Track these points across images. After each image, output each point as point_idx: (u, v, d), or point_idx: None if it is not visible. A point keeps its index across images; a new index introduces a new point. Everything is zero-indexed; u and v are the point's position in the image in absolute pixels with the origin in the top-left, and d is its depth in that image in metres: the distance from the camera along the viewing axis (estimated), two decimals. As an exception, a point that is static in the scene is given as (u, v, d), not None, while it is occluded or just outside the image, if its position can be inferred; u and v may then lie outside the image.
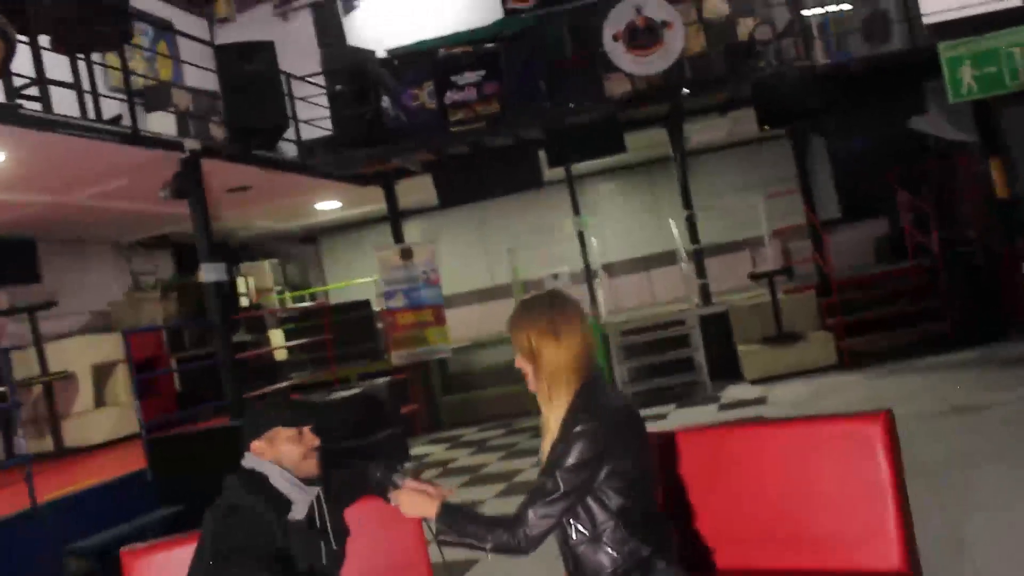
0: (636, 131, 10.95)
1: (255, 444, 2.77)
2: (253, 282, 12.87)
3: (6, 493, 6.06)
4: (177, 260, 12.61)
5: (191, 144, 7.84)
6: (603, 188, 14.82)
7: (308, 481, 2.80)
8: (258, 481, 2.70)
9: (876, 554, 2.61)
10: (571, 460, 2.28)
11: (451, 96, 9.74)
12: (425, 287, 11.54)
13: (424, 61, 10.05)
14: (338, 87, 10.28)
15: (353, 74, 10.29)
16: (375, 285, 12.08)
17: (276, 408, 2.88)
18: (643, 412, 8.45)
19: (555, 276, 11.35)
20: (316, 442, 2.79)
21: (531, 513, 2.30)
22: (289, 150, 10.37)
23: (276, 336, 12.57)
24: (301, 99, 10.21)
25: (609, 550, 2.32)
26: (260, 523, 2.58)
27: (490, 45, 9.89)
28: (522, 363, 2.44)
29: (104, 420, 9.36)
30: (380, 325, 12.33)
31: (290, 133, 9.88)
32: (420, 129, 10.08)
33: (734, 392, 9.95)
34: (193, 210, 7.88)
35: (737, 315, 11.07)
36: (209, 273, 7.81)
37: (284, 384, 10.53)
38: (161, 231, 11.67)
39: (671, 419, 9.16)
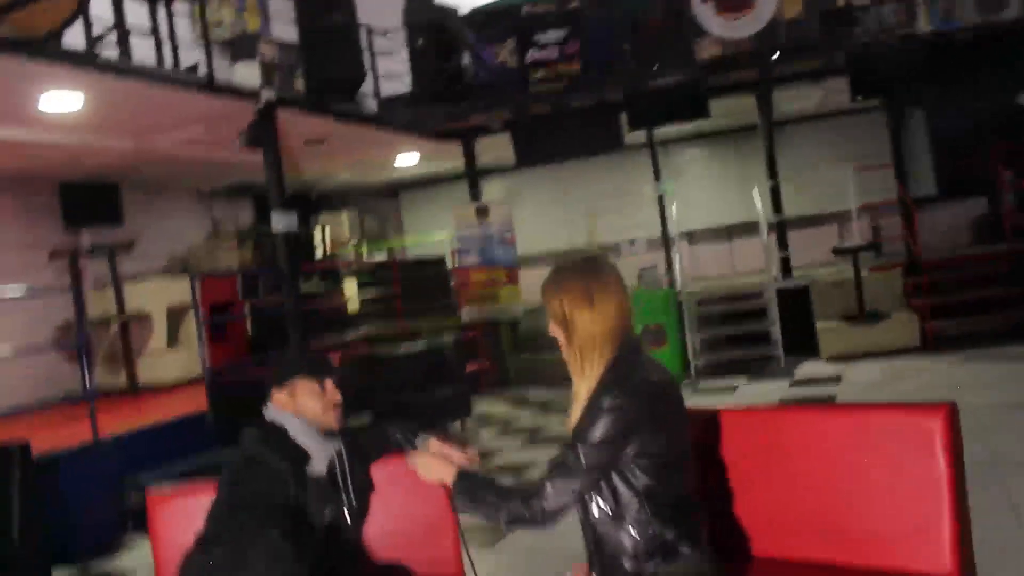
0: (723, 97, 10.60)
1: (277, 395, 2.72)
2: (330, 233, 12.97)
3: (76, 425, 6.22)
4: (257, 209, 12.77)
5: (267, 94, 7.84)
6: (687, 154, 14.49)
7: (329, 435, 2.74)
8: (276, 433, 2.65)
9: (926, 555, 2.42)
10: (595, 436, 2.15)
11: (532, 55, 9.55)
12: (500, 246, 11.47)
13: (506, 18, 9.85)
14: (420, 42, 10.17)
15: (435, 29, 10.17)
16: (451, 242, 12.05)
17: (299, 359, 2.81)
18: (712, 384, 8.29)
19: (632, 241, 11.17)
20: (338, 396, 2.72)
21: (549, 486, 2.19)
22: (368, 105, 10.32)
23: (350, 288, 12.66)
24: (381, 53, 10.13)
25: (631, 531, 2.19)
26: (274, 476, 2.53)
27: (573, 4, 9.63)
28: (555, 330, 2.32)
29: (175, 361, 9.58)
30: (453, 282, 12.31)
31: (369, 88, 9.84)
32: (500, 87, 9.91)
33: (808, 369, 9.64)
34: (267, 159, 7.91)
35: (818, 290, 10.70)
36: (279, 222, 7.85)
37: (353, 335, 10.61)
38: (241, 180, 11.82)
39: (741, 392, 8.95)
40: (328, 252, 12.63)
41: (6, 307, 7.99)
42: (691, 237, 14.14)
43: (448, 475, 2.38)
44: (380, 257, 13.91)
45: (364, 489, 2.88)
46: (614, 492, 2.21)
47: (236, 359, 9.83)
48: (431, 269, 12.55)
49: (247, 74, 9.21)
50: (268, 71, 9.13)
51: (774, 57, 9.85)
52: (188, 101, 7.45)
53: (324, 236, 12.81)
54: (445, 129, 11.19)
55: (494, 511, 2.25)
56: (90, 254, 10.01)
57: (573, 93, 9.73)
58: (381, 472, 2.90)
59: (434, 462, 2.47)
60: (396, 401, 7.89)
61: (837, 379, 8.79)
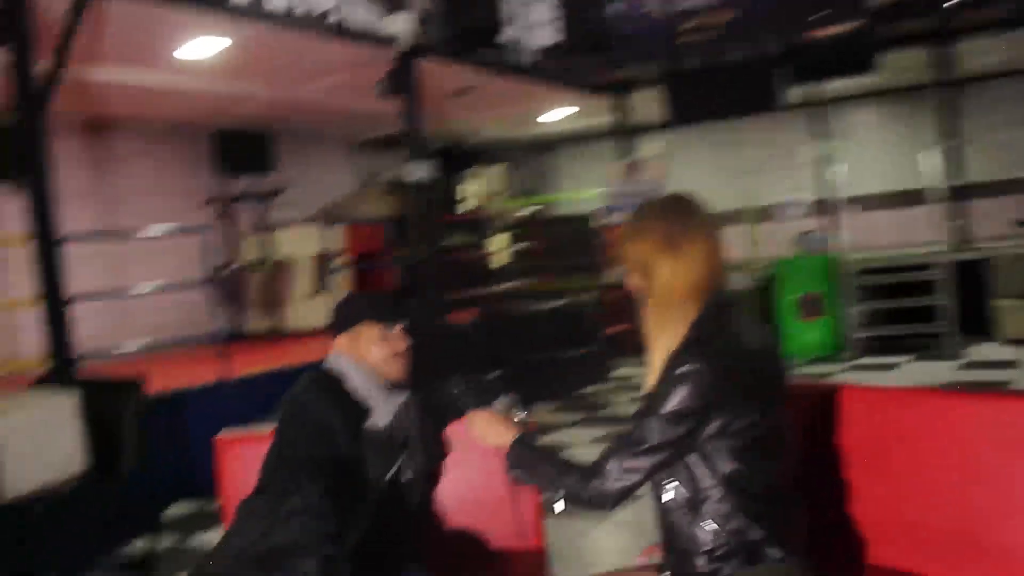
0: (895, 50, 9.70)
1: (339, 339, 2.52)
2: (478, 187, 12.85)
3: (213, 364, 6.34)
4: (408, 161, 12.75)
5: (404, 41, 7.69)
6: (854, 114, 13.48)
7: (395, 387, 2.52)
8: (332, 381, 2.44)
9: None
10: (668, 407, 1.82)
11: (681, 3, 8.99)
12: (651, 205, 10.99)
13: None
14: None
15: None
16: (600, 199, 11.68)
17: (365, 301, 2.59)
18: (871, 360, 7.61)
19: (790, 204, 10.47)
20: (404, 344, 2.48)
21: (612, 464, 1.88)
22: (514, 56, 10.02)
23: (495, 243, 12.52)
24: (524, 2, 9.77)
25: (709, 524, 1.87)
26: (321, 427, 2.32)
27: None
28: (632, 282, 2.00)
29: (321, 307, 9.68)
30: (599, 240, 11.96)
31: (515, 39, 9.53)
32: (649, 39, 9.41)
33: (982, 351, 8.82)
34: (404, 108, 7.78)
35: (998, 265, 9.74)
36: (414, 171, 7.73)
37: (494, 288, 10.47)
38: (392, 132, 11.82)
39: (903, 371, 8.28)
40: (476, 206, 12.51)
41: (161, 248, 8.23)
42: (856, 203, 13.22)
43: (506, 439, 2.11)
44: (521, 213, 13.68)
45: (435, 450, 2.66)
46: (692, 477, 1.88)
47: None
48: (577, 226, 12.22)
49: (391, 21, 9.10)
50: (409, 18, 8.89)
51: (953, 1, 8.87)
52: (326, 48, 7.40)
53: (473, 190, 12.68)
54: (595, 83, 10.79)
55: (550, 485, 1.98)
56: (242, 201, 10.25)
57: (725, 44, 9.09)
58: (459, 434, 2.67)
59: (493, 424, 2.21)
60: (528, 359, 7.68)
61: (1014, 364, 7.98)
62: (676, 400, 1.82)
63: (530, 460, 2.03)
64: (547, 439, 6.53)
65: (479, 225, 12.26)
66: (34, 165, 5.03)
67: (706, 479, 1.87)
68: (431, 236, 8.15)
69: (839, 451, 2.34)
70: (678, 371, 1.83)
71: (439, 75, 8.72)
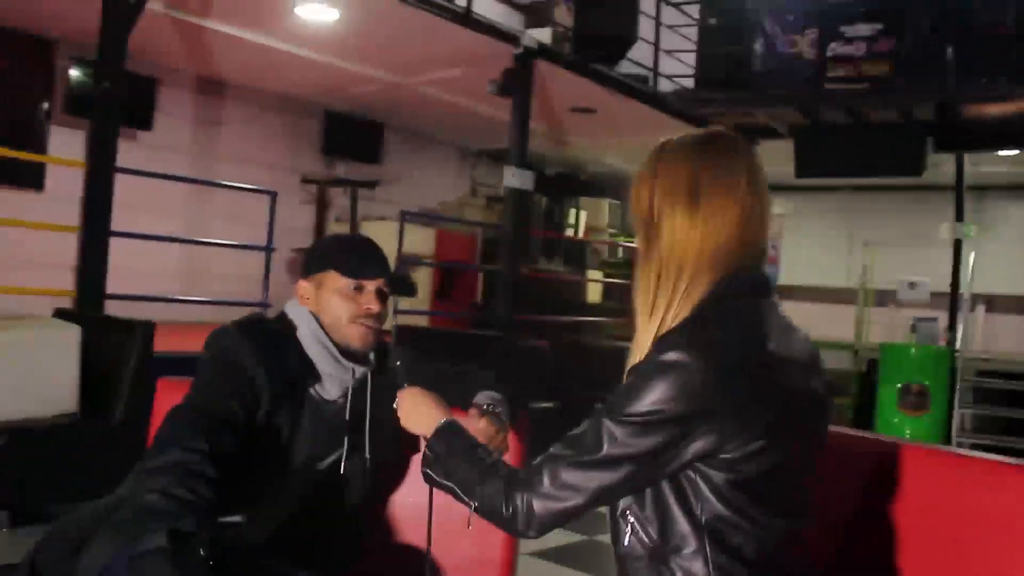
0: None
1: (300, 283, 2.06)
2: (587, 216, 12.38)
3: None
4: (519, 178, 12.40)
5: (527, 40, 7.30)
6: (1002, 205, 12.46)
7: (355, 358, 2.04)
8: (272, 329, 1.99)
9: None
10: (637, 406, 1.28)
11: (835, 48, 8.31)
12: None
13: (812, 4, 8.65)
14: (712, 20, 9.23)
15: (730, 9, 9.17)
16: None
17: (336, 245, 2.12)
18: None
19: (912, 284, 9.60)
20: (376, 307, 2.00)
21: (547, 475, 1.35)
22: (642, 81, 9.53)
23: (593, 275, 11.99)
24: (665, 25, 9.27)
25: None
26: (239, 378, 1.86)
27: (891, -4, 8.25)
28: (637, 238, 1.46)
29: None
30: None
31: (646, 60, 9.06)
32: (791, 81, 8.76)
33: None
34: (514, 109, 7.37)
35: None
36: (513, 178, 7.30)
37: (580, 319, 9.97)
38: (505, 146, 11.51)
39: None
40: (580, 236, 12.03)
41: (246, 213, 8.03)
42: (990, 302, 12.18)
43: (429, 426, 1.57)
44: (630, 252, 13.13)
45: (390, 445, 2.17)
46: (660, 513, 1.34)
47: (451, 322, 9.48)
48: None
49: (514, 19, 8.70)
50: (535, 14, 8.47)
51: None
52: (443, 33, 7.06)
53: (579, 219, 12.21)
54: (724, 123, 10.18)
55: (465, 492, 1.45)
56: (340, 186, 10.04)
57: (876, 96, 8.35)
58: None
59: (424, 405, 1.65)
60: (587, 395, 7.12)
61: None
62: (650, 398, 1.27)
63: (450, 455, 1.51)
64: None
65: (580, 255, 11.77)
66: (100, 89, 4.80)
67: (679, 523, 1.32)
68: (522, 250, 7.69)
69: (898, 529, 1.73)
70: (661, 358, 1.28)
71: (560, 85, 8.32)
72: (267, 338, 1.94)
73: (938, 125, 8.62)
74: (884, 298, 11.78)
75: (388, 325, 6.34)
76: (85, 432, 4.06)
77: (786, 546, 1.33)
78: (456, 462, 1.48)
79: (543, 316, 8.88)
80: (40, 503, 3.91)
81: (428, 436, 1.55)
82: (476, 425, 1.82)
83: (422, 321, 8.79)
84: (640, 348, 1.37)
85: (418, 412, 1.63)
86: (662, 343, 1.30)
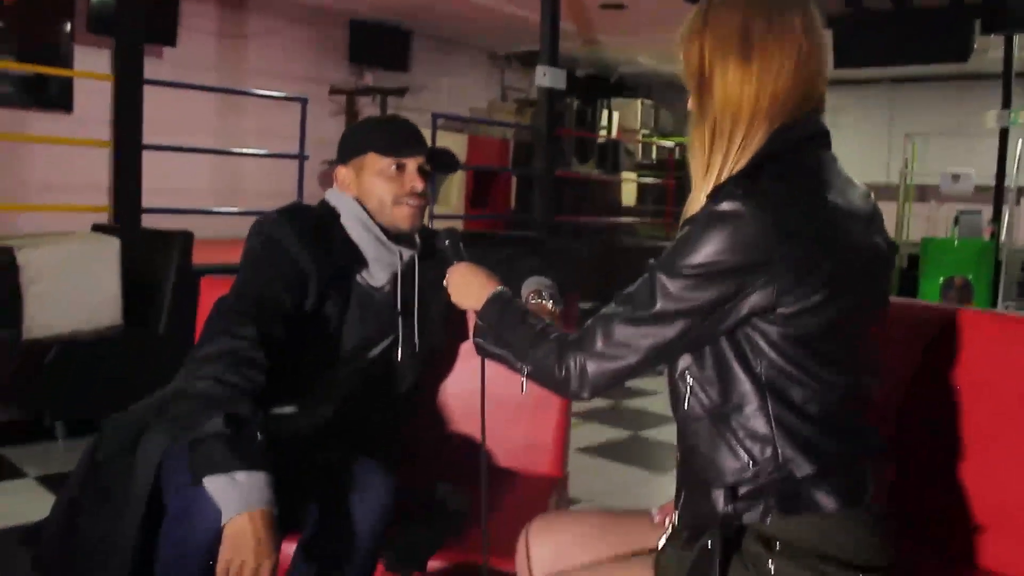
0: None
1: (339, 170, 2.02)
2: (620, 118, 12.16)
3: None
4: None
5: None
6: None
7: (402, 240, 2.01)
8: (316, 216, 1.95)
9: None
10: (692, 258, 1.22)
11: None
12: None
13: None
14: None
15: None
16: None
17: (374, 127, 2.07)
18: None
19: (955, 177, 9.35)
20: (420, 184, 1.96)
21: (600, 334, 1.31)
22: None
23: (628, 178, 11.85)
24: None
25: (734, 445, 1.28)
26: (286, 266, 1.83)
27: None
28: (690, 98, 1.39)
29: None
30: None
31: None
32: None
33: None
34: (543, 4, 7.17)
35: None
36: (545, 77, 7.14)
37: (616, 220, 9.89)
38: (535, 47, 11.27)
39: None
40: (614, 137, 11.85)
41: (281, 124, 7.95)
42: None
43: (479, 299, 1.53)
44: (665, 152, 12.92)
45: (440, 329, 2.15)
46: (720, 372, 1.29)
47: (489, 226, 9.42)
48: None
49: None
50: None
51: None
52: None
53: (612, 121, 12.00)
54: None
55: (516, 358, 1.41)
56: (369, 94, 9.90)
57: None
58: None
59: (474, 279, 1.60)
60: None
61: None
62: (705, 250, 1.21)
63: (501, 324, 1.47)
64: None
65: (615, 156, 11.61)
66: (124, 1, 4.71)
67: (739, 381, 1.28)
68: (555, 152, 7.57)
69: (957, 389, 1.69)
70: (716, 208, 1.22)
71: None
72: (311, 224, 1.90)
73: (985, 6, 8.28)
74: (926, 193, 11.58)
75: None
76: (130, 343, 4.10)
77: (850, 403, 1.29)
78: (507, 329, 1.44)
79: (579, 217, 8.81)
80: (92, 413, 3.99)
81: (478, 308, 1.52)
82: (528, 306, 1.79)
83: (458, 226, 8.74)
84: (695, 205, 1.31)
85: (469, 286, 1.59)
86: (717, 195, 1.25)
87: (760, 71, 1.28)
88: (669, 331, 1.26)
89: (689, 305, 1.24)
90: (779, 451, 1.25)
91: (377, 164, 1.95)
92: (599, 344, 1.30)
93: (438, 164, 2.03)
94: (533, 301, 1.93)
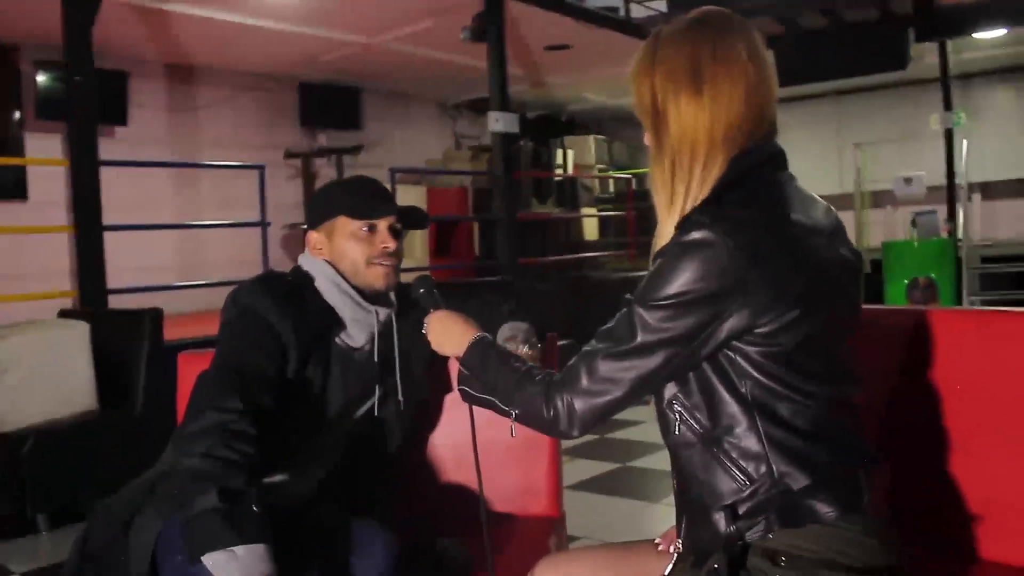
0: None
1: (310, 235, 2.03)
2: (573, 156, 12.28)
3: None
4: (501, 126, 12.29)
5: (493, -20, 7.19)
6: (989, 92, 12.34)
7: (378, 300, 2.02)
8: (289, 283, 1.96)
9: None
10: (667, 289, 1.26)
11: (804, -49, 8.19)
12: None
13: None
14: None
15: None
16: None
17: (342, 190, 2.09)
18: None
19: (907, 180, 9.53)
20: (392, 243, 1.98)
21: (584, 371, 1.33)
22: (617, 8, 9.40)
23: (588, 213, 11.94)
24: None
25: (729, 466, 1.30)
26: (264, 336, 1.83)
27: None
28: (646, 134, 1.43)
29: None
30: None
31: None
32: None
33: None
34: (490, 55, 7.28)
35: None
36: (498, 123, 7.22)
37: (579, 256, 9.96)
38: (486, 95, 11.39)
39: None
40: (569, 175, 11.95)
41: (239, 194, 7.95)
42: (987, 189, 12.14)
43: (460, 345, 1.55)
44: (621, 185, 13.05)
45: (424, 383, 2.15)
46: (707, 396, 1.32)
47: (459, 273, 9.45)
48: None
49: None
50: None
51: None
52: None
53: (566, 159, 12.11)
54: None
55: (504, 402, 1.43)
56: (324, 155, 9.95)
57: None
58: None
59: (454, 326, 1.61)
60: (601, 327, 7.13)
61: None
62: (679, 280, 1.25)
63: (484, 368, 1.49)
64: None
65: (573, 193, 11.71)
66: (73, 83, 4.72)
67: (726, 403, 1.30)
68: (515, 195, 7.64)
69: (937, 388, 1.73)
70: (685, 239, 1.26)
71: (533, 23, 8.21)
72: (286, 291, 1.91)
73: (917, 16, 8.52)
74: (880, 199, 11.75)
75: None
76: (108, 426, 4.05)
77: (835, 412, 1.32)
78: (492, 374, 1.46)
79: (544, 257, 8.85)
80: (75, 502, 3.92)
81: (460, 355, 1.53)
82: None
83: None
84: (663, 237, 1.35)
85: (448, 332, 1.61)
86: (684, 225, 1.28)
87: (712, 102, 1.33)
88: (651, 362, 1.29)
89: (669, 335, 1.27)
90: (773, 467, 1.28)
91: (348, 227, 1.97)
92: (584, 381, 1.32)
93: (408, 222, 2.05)
94: (510, 347, 1.94)
